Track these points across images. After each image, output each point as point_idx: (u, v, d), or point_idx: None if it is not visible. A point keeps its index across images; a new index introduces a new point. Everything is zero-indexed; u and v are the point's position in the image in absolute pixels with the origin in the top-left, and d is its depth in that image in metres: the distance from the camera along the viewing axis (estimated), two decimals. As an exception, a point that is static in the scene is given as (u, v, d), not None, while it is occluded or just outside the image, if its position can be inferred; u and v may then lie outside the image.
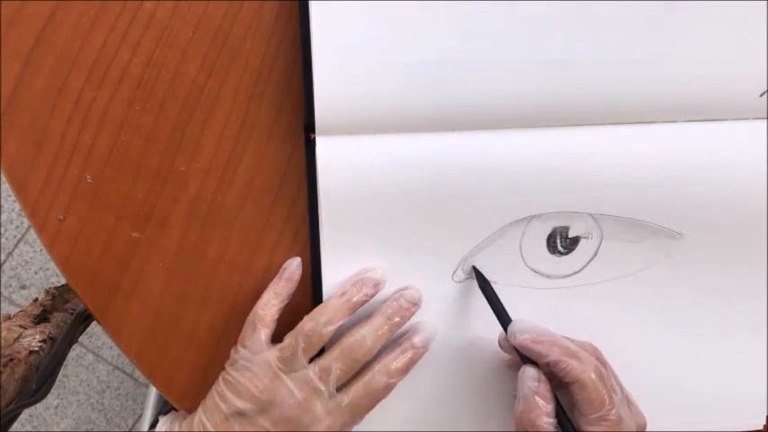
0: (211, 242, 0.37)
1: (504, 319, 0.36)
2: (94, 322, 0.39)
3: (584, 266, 0.38)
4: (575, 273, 0.38)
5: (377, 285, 0.36)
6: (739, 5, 0.34)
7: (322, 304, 0.35)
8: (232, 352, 0.36)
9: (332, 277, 0.36)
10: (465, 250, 0.37)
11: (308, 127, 0.34)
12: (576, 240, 0.37)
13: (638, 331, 0.39)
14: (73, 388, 1.15)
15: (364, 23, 0.33)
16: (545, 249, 0.37)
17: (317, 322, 0.34)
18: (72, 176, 0.35)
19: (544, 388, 0.33)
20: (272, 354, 0.35)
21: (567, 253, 0.38)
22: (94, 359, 1.14)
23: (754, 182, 0.36)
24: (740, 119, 0.36)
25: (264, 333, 0.35)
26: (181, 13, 0.34)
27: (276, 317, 0.36)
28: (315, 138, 0.34)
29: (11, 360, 0.41)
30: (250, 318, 0.36)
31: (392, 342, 0.36)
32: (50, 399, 1.15)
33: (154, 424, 0.53)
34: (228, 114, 0.35)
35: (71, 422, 1.16)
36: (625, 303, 0.39)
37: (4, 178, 0.41)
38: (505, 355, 0.38)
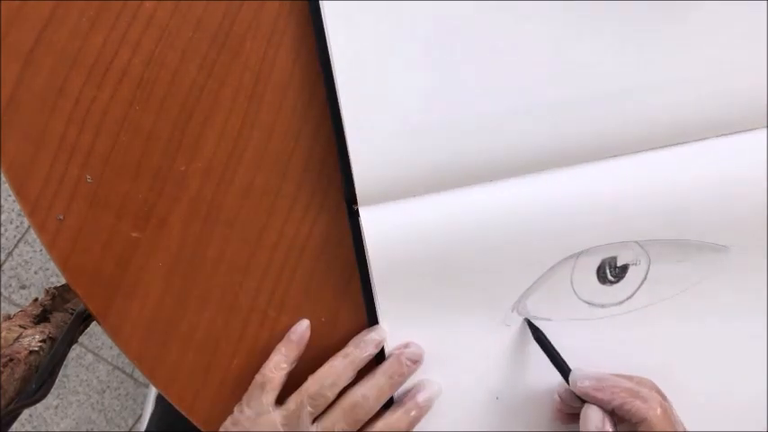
0: (211, 242, 0.37)
1: (563, 368, 0.36)
2: (94, 322, 0.39)
3: (636, 291, 0.38)
4: (627, 298, 0.38)
5: (378, 345, 0.36)
6: None
7: (326, 365, 0.36)
8: (236, 410, 0.36)
9: (391, 346, 0.37)
10: (517, 296, 0.37)
11: (350, 199, 0.35)
12: (624, 268, 0.38)
13: (694, 346, 0.39)
14: (73, 388, 1.15)
15: (394, 89, 0.33)
16: (596, 281, 0.38)
17: (322, 384, 0.35)
18: (72, 176, 0.35)
19: (609, 427, 0.33)
20: (277, 415, 0.35)
21: (617, 281, 0.38)
22: (94, 359, 1.14)
23: None
24: None
25: (273, 395, 0.36)
26: (181, 12, 0.34)
27: (284, 380, 0.36)
28: (358, 209, 0.34)
29: (11, 360, 0.41)
30: (258, 379, 0.36)
31: (396, 401, 0.37)
32: (50, 399, 1.15)
33: (155, 421, 0.53)
34: (228, 114, 0.35)
35: (71, 422, 1.16)
36: (679, 321, 0.39)
37: (4, 178, 0.41)
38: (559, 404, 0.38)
